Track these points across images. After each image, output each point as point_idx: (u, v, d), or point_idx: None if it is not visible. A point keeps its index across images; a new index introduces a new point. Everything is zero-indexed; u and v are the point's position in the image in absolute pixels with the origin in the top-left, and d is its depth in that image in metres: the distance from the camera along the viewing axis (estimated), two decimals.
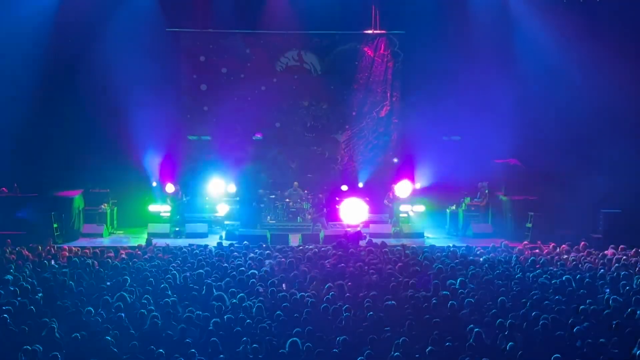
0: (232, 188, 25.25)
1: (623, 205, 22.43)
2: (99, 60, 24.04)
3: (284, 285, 14.93)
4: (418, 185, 25.03)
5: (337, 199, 25.23)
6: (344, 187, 25.89)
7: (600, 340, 11.33)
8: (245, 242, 19.94)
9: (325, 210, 24.38)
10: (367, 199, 25.09)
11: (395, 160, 26.27)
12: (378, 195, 25.15)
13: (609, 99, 23.39)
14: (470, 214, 24.18)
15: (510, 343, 11.39)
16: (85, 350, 11.28)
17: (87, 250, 18.65)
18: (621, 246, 18.86)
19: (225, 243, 20.63)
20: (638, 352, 11.00)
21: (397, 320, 12.49)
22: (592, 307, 12.89)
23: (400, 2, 25.26)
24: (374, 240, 20.18)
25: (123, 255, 17.76)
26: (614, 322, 12.04)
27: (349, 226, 23.95)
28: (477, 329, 11.80)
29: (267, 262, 16.91)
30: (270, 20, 25.25)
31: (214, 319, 12.31)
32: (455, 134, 25.99)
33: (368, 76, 25.88)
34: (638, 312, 12.68)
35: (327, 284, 14.68)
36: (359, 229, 23.04)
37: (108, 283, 14.88)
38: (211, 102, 26.15)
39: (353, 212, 24.67)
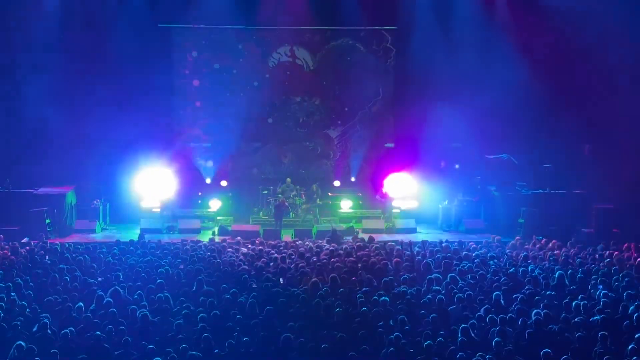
0: (224, 184, 25.29)
1: (615, 200, 22.49)
2: (91, 56, 23.97)
3: None
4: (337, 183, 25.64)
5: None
6: (337, 183, 25.86)
7: (592, 334, 11.39)
8: (238, 237, 19.92)
9: (319, 201, 24.37)
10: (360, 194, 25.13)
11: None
12: (370, 190, 25.17)
13: (606, 96, 23.41)
14: (462, 209, 24.20)
15: (502, 338, 11.41)
16: (78, 346, 11.27)
17: (80, 246, 18.59)
18: (612, 241, 18.91)
19: (218, 239, 20.61)
20: (630, 347, 11.04)
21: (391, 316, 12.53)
22: (583, 303, 12.94)
23: None
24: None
25: (116, 251, 17.72)
26: (606, 318, 12.09)
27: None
28: (469, 324, 11.83)
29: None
30: (263, 15, 25.18)
31: (206, 314, 12.31)
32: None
33: (360, 72, 25.82)
34: (630, 307, 12.73)
35: None
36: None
37: (100, 279, 14.87)
38: (203, 98, 26.10)
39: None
